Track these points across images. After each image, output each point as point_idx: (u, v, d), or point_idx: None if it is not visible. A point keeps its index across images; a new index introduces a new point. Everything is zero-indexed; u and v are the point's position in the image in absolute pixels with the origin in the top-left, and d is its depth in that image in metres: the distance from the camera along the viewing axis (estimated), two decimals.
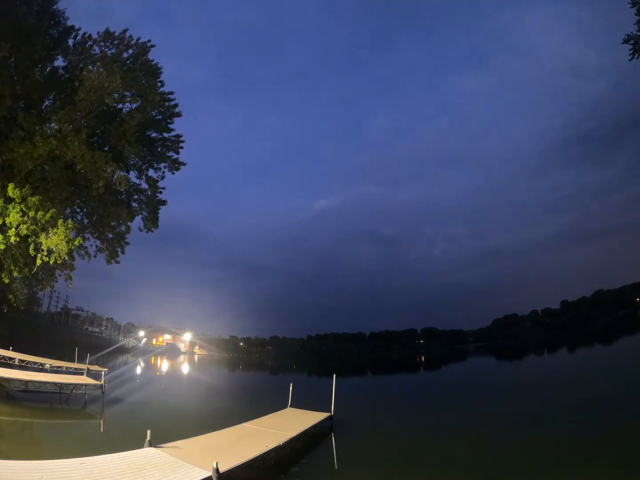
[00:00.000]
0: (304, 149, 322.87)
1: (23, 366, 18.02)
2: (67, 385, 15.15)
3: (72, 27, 21.56)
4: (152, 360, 58.89)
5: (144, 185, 24.88)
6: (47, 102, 21.02)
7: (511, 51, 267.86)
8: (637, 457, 8.20)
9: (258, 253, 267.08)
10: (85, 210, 24.21)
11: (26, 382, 14.05)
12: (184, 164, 25.22)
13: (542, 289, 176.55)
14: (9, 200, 16.84)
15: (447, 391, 23.60)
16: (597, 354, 39.47)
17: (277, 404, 13.26)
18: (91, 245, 23.20)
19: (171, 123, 24.66)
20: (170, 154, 24.81)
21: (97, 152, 18.29)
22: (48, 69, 20.82)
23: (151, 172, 24.78)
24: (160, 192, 25.15)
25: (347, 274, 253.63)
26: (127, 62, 20.68)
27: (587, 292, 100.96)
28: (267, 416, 11.45)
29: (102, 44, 20.58)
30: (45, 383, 14.59)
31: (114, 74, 17.16)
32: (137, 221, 24.57)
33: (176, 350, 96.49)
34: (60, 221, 17.26)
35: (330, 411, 12.20)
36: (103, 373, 18.05)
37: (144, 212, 24.89)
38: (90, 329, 73.76)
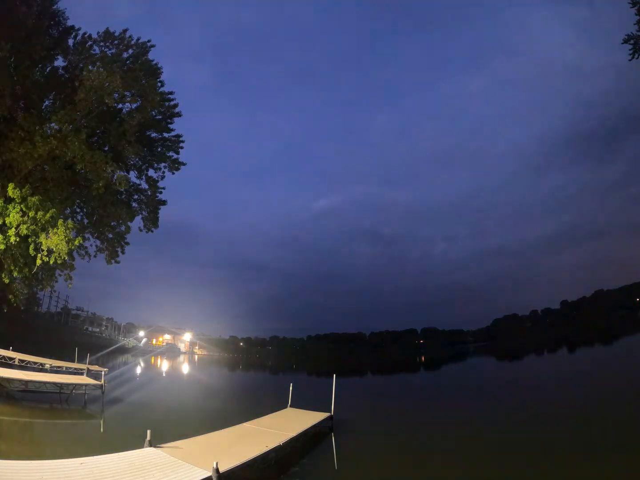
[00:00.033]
0: (304, 149, 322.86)
1: (23, 366, 18.01)
2: (67, 385, 15.15)
3: (72, 27, 21.58)
4: (152, 360, 58.92)
5: (144, 185, 24.95)
6: (47, 102, 21.04)
7: (511, 51, 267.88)
8: (637, 457, 8.20)
9: (258, 253, 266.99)
10: (85, 210, 24.22)
11: (26, 382, 14.04)
12: (184, 164, 25.27)
13: (542, 289, 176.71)
14: (9, 200, 16.86)
15: (447, 391, 23.61)
16: (597, 353, 39.48)
17: (277, 404, 13.26)
18: (91, 245, 23.28)
19: (171, 123, 24.69)
20: (170, 154, 24.85)
21: (97, 152, 18.30)
22: (48, 69, 20.85)
23: (151, 172, 24.86)
24: (160, 192, 25.21)
25: (347, 274, 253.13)
26: (127, 62, 20.68)
27: (587, 292, 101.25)
28: (267, 416, 11.44)
29: (102, 44, 20.60)
30: (45, 383, 14.58)
31: (114, 74, 17.18)
32: (137, 221, 24.64)
33: (176, 350, 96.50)
34: (60, 221, 17.27)
35: (330, 411, 12.19)
36: (103, 373, 18.04)
37: (144, 212, 24.92)
38: (90, 329, 73.78)
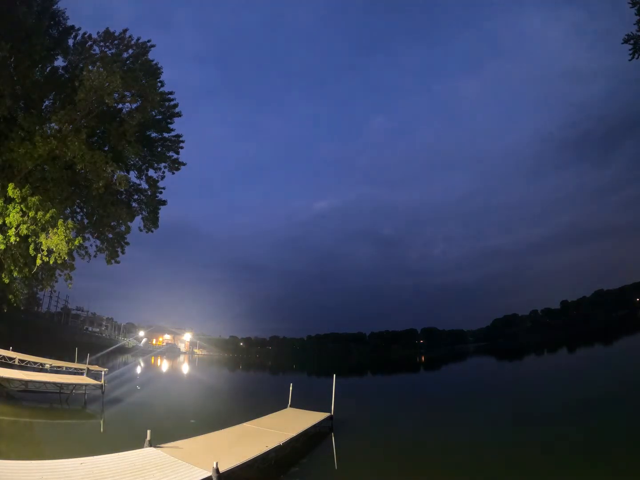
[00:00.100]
0: (303, 150, 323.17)
1: (23, 366, 18.01)
2: (67, 385, 15.14)
3: (72, 27, 21.57)
4: (152, 360, 58.90)
5: (144, 185, 24.92)
6: (47, 102, 21.03)
7: (507, 54, 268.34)
8: (637, 458, 8.20)
9: (258, 253, 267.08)
10: (85, 210, 24.21)
11: (26, 382, 14.04)
12: (184, 164, 25.25)
13: (542, 289, 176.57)
14: (9, 200, 16.84)
15: (447, 391, 23.60)
16: (597, 353, 39.46)
17: (277, 404, 13.26)
18: (91, 245, 23.24)
19: (171, 123, 24.68)
20: (170, 154, 24.83)
21: (97, 152, 18.28)
22: (48, 69, 20.81)
23: (151, 172, 24.83)
24: (160, 192, 25.19)
25: (347, 274, 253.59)
26: (127, 62, 20.69)
27: (587, 292, 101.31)
28: (267, 416, 11.45)
29: (102, 44, 20.59)
30: (45, 383, 14.58)
31: (114, 74, 17.16)
32: (137, 221, 24.62)
33: (176, 350, 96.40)
34: (60, 221, 17.26)
35: (330, 411, 12.20)
36: (103, 373, 18.04)
37: (144, 212, 24.90)
38: (90, 329, 73.78)
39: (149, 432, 7.16)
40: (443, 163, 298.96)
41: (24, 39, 18.06)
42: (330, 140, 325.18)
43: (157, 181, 24.81)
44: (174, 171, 25.07)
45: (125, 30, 20.67)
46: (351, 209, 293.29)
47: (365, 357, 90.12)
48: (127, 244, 24.05)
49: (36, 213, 16.74)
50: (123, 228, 23.43)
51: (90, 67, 18.33)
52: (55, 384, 14.90)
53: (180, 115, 24.62)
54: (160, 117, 24.00)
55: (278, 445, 7.98)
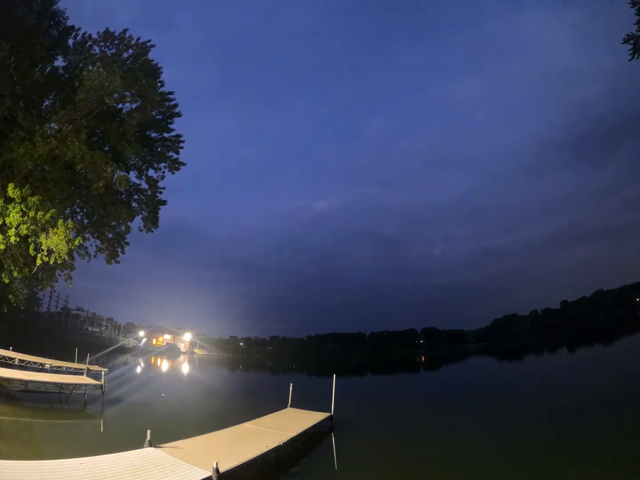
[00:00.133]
0: (303, 151, 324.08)
1: (23, 366, 18.01)
2: (67, 385, 15.14)
3: (72, 27, 21.57)
4: (152, 360, 58.88)
5: (144, 185, 24.92)
6: (47, 102, 21.03)
7: (507, 54, 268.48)
8: (637, 458, 8.19)
9: (258, 253, 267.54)
10: (85, 210, 24.21)
11: (26, 382, 14.04)
12: (184, 164, 25.25)
13: (542, 289, 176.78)
14: (9, 200, 16.84)
15: (447, 391, 23.59)
16: (597, 353, 39.46)
17: (277, 404, 13.26)
18: (91, 245, 23.23)
19: (171, 123, 24.68)
20: (170, 154, 24.83)
21: (97, 152, 18.28)
22: (48, 69, 20.81)
23: (151, 172, 24.83)
24: (160, 192, 25.19)
25: (347, 274, 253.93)
26: (127, 62, 20.68)
27: (587, 292, 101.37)
28: (267, 416, 11.45)
29: (102, 44, 20.59)
30: (45, 383, 14.58)
31: (114, 74, 17.15)
32: (137, 221, 24.62)
33: (176, 350, 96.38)
34: (60, 221, 17.26)
35: (330, 411, 12.19)
36: (103, 373, 18.05)
37: (144, 212, 24.90)
38: (90, 329, 73.78)
39: (149, 432, 7.16)
40: (443, 163, 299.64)
41: (24, 39, 18.05)
42: (330, 140, 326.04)
43: (157, 181, 24.82)
44: (174, 171, 25.07)
45: (125, 30, 20.68)
46: (351, 209, 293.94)
47: (365, 357, 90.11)
48: (127, 244, 24.06)
49: (36, 213, 16.73)
50: (123, 228, 23.43)
51: (90, 67, 18.32)
52: (55, 384, 14.90)
53: (180, 115, 24.64)
54: (160, 117, 24.01)
55: (278, 445, 7.98)
